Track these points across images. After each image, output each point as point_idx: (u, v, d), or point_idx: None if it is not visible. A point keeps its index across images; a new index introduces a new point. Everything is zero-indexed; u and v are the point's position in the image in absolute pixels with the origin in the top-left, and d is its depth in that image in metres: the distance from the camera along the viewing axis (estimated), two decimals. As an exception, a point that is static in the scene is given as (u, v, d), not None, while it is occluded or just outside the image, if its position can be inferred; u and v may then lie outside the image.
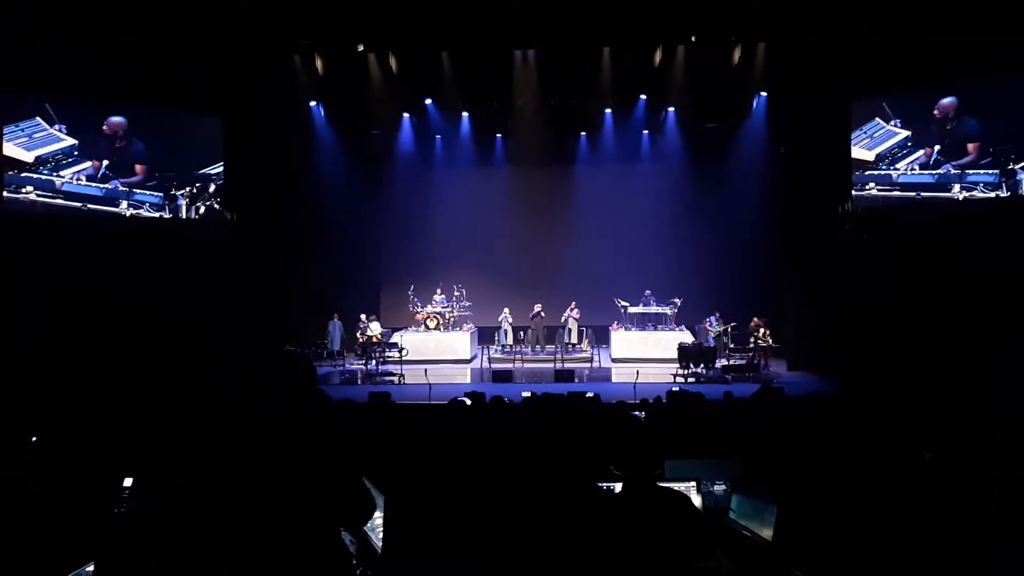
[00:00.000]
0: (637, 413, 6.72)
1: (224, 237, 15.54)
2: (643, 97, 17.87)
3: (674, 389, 8.09)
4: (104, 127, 14.51)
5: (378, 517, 3.43)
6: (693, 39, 15.49)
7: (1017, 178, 13.18)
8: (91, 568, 3.19)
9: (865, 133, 15.01)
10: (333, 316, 17.31)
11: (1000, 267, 12.25)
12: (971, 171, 13.83)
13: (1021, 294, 12.01)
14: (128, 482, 3.98)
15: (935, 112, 14.07)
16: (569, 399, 7.66)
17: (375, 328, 16.90)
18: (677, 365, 14.92)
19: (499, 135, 19.71)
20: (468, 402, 5.91)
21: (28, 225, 13.45)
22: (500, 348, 18.15)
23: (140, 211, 14.98)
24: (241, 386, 2.46)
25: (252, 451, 2.31)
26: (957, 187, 13.99)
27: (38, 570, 3.29)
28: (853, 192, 15.12)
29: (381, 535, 3.36)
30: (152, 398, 7.99)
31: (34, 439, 5.48)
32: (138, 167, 14.96)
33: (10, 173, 13.63)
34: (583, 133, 19.56)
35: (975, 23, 12.31)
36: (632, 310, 17.64)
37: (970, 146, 13.81)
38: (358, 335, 17.00)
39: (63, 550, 3.27)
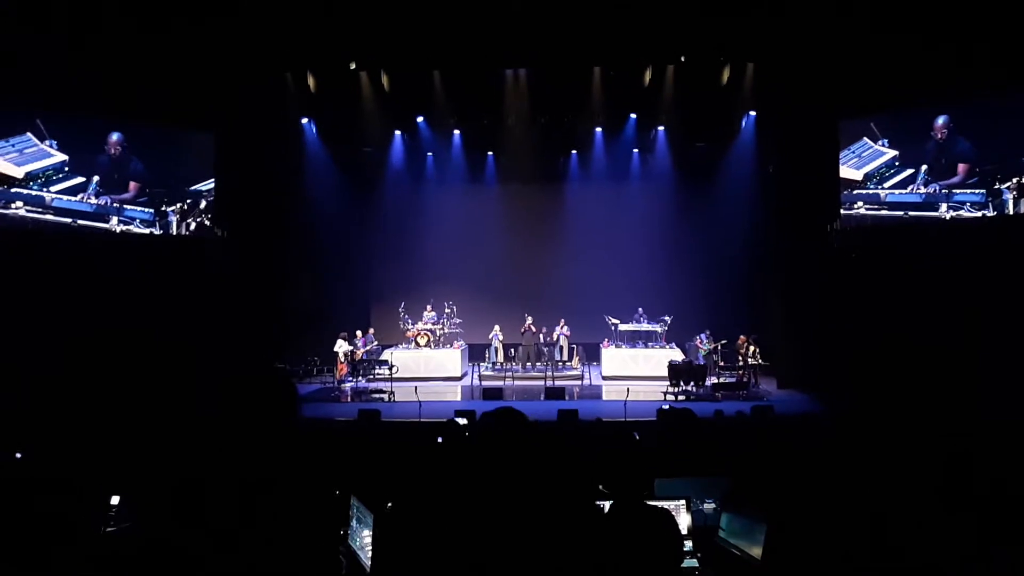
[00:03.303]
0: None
1: (214, 254, 15.48)
2: (633, 116, 17.98)
3: (664, 407, 8.07)
4: (106, 145, 14.55)
5: (367, 536, 3.41)
6: (682, 59, 15.63)
7: (1003, 197, 13.30)
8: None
9: (853, 153, 15.14)
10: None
11: (986, 285, 12.35)
12: (958, 190, 13.95)
13: (1006, 311, 12.11)
14: (115, 500, 3.95)
15: (932, 132, 14.17)
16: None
17: (340, 346, 16.71)
18: (667, 383, 14.93)
19: (490, 153, 19.82)
20: (463, 421, 5.90)
21: (17, 240, 13.37)
22: (491, 365, 18.11)
23: (130, 227, 14.93)
24: (222, 406, 2.40)
25: (230, 474, 2.27)
26: (944, 206, 14.10)
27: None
28: (841, 211, 15.23)
29: (370, 554, 3.35)
30: (136, 416, 7.94)
31: (18, 455, 5.43)
32: (132, 184, 14.93)
33: (0, 188, 13.59)
34: (574, 151, 19.67)
35: (961, 44, 12.47)
36: (623, 327, 17.64)
37: (960, 166, 13.91)
38: (339, 352, 16.87)
39: (48, 568, 3.23)
